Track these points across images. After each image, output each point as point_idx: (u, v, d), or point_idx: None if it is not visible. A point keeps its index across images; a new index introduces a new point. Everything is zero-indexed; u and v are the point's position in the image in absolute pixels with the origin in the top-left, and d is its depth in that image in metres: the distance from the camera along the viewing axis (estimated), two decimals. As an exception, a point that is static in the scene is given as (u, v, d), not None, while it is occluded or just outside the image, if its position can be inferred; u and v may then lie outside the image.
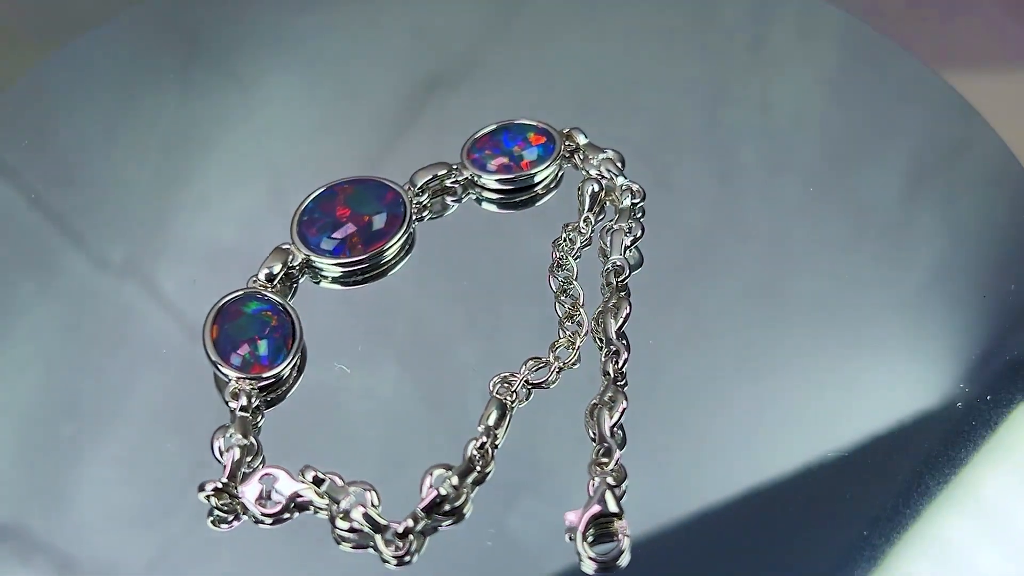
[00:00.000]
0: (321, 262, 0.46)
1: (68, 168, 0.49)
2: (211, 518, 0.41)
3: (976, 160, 0.50)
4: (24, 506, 0.42)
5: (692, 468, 0.42)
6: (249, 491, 0.41)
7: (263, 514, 0.41)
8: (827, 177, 0.49)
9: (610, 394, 0.43)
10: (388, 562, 0.40)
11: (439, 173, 0.48)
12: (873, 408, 0.43)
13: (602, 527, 0.40)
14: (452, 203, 0.49)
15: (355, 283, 0.47)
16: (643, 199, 0.48)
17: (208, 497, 0.41)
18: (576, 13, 0.56)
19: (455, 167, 0.48)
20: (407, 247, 0.47)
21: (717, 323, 0.45)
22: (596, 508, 0.40)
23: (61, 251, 0.47)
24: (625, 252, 0.46)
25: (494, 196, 0.49)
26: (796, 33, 0.55)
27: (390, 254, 0.47)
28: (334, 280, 0.47)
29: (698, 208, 0.49)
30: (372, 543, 0.40)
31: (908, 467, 0.42)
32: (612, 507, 0.40)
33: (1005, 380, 0.44)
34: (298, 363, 0.44)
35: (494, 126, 0.49)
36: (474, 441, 0.42)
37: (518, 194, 0.49)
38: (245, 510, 0.41)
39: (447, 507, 0.41)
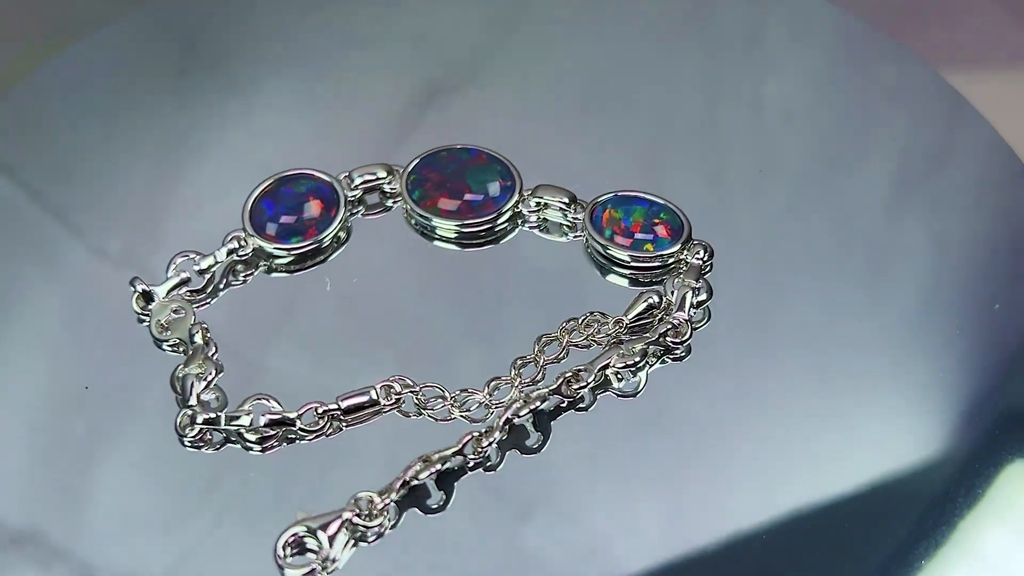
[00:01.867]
0: (406, 200, 0.47)
1: (68, 167, 0.50)
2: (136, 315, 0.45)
3: (977, 161, 0.50)
4: (40, 508, 0.42)
5: (684, 508, 0.42)
6: (161, 312, 0.45)
7: (160, 337, 0.45)
8: (825, 179, 0.49)
9: (441, 455, 0.41)
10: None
11: (563, 201, 0.47)
12: (870, 454, 0.42)
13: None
14: (571, 237, 0.47)
15: (458, 241, 0.48)
16: (687, 337, 0.44)
17: (134, 292, 0.45)
18: (576, 19, 0.54)
19: (580, 203, 0.47)
20: (504, 234, 0.48)
21: (705, 348, 0.44)
22: (311, 524, 0.40)
23: (61, 242, 0.48)
24: (604, 373, 0.43)
25: (595, 255, 0.47)
26: (793, 32, 0.54)
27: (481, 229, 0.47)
28: (419, 227, 0.48)
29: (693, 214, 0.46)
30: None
31: (909, 514, 0.41)
32: (329, 531, 0.40)
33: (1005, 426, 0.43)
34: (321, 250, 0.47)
35: (628, 194, 0.47)
36: (318, 404, 0.42)
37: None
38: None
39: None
